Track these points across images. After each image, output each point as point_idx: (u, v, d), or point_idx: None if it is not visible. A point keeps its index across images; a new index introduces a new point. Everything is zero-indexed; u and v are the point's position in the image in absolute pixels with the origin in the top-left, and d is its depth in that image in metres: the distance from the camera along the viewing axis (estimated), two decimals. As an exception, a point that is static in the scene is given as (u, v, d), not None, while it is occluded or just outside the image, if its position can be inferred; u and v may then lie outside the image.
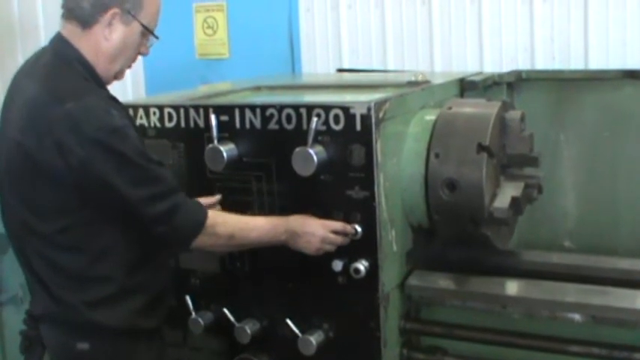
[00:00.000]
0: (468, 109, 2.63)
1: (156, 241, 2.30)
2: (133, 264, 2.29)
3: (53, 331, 2.32)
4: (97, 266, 2.25)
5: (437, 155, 2.52)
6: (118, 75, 2.37)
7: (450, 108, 2.64)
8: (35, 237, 2.25)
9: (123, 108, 2.34)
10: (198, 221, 2.30)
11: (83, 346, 2.26)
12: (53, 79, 2.22)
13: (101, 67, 2.30)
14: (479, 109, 2.63)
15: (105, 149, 2.13)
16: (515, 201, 2.52)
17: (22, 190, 2.24)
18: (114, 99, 2.28)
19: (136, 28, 2.30)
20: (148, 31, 2.33)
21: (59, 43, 2.30)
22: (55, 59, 2.27)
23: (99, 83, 2.29)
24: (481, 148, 2.47)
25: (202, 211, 2.32)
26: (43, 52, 2.35)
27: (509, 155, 2.65)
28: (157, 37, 2.38)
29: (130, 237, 2.27)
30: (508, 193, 2.56)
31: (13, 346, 3.36)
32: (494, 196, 2.55)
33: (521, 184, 2.63)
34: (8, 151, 2.24)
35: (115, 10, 2.25)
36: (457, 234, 2.59)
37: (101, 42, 2.28)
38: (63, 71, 2.24)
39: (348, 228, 2.46)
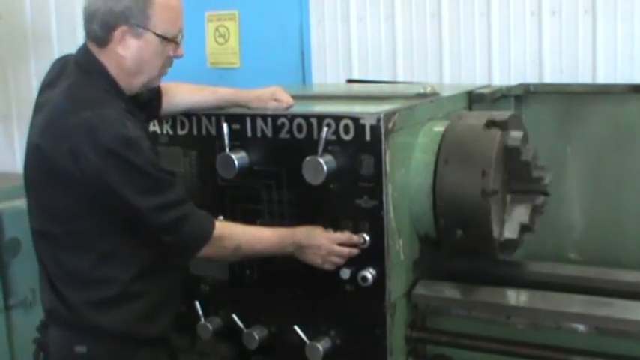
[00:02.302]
0: (475, 122, 2.66)
1: (163, 249, 2.32)
2: (137, 269, 2.31)
3: (56, 331, 2.34)
4: (101, 268, 2.27)
5: (446, 162, 2.55)
6: (149, 84, 2.38)
7: (457, 120, 2.66)
8: (47, 237, 2.30)
9: (139, 120, 2.35)
10: (206, 232, 2.33)
11: (81, 349, 2.28)
12: (74, 89, 2.26)
13: (124, 81, 2.32)
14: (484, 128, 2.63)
15: (117, 159, 2.16)
16: (524, 228, 2.59)
17: (38, 192, 2.30)
18: (130, 111, 2.29)
19: (152, 38, 2.28)
20: (165, 39, 2.30)
21: (84, 55, 2.33)
22: (79, 70, 2.31)
23: (120, 94, 2.31)
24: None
25: (210, 222, 2.35)
26: (67, 62, 2.38)
27: (514, 176, 2.67)
28: (177, 43, 2.34)
29: (137, 243, 2.30)
30: (516, 219, 2.60)
31: (22, 349, 3.37)
32: (502, 223, 2.58)
33: (530, 206, 2.65)
34: (28, 154, 2.30)
35: (123, 27, 2.25)
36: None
37: (119, 59, 2.29)
38: (84, 82, 2.28)
39: (355, 238, 2.48)
